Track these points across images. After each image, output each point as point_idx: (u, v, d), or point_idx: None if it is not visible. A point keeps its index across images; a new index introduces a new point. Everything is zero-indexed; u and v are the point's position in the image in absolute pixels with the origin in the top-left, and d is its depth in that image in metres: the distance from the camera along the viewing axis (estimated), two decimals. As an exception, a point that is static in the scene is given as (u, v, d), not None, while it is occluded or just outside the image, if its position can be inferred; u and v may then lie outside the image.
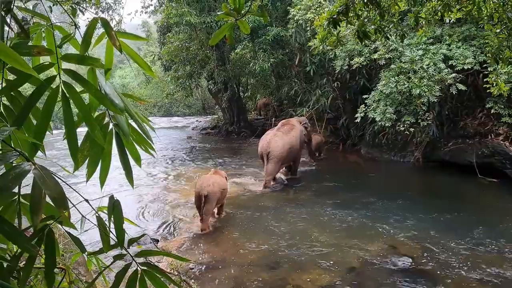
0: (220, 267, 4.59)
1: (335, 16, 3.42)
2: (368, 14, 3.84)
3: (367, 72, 10.26)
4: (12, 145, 1.09)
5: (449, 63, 8.17)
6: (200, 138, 16.27)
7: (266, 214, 6.40)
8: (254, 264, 4.62)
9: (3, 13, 1.08)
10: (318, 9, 9.38)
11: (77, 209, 1.21)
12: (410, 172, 9.53)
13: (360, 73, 10.15)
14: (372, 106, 8.88)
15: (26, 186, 0.99)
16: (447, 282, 4.16)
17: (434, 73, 8.08)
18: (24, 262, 1.12)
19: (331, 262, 4.61)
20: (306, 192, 7.75)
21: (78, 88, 1.14)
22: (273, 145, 7.90)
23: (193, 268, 4.51)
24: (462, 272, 4.36)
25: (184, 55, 13.95)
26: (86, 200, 1.22)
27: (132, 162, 1.25)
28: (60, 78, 1.08)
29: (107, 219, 1.18)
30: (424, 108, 8.33)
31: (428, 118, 8.49)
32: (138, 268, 1.14)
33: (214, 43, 1.84)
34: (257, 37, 12.33)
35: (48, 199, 0.96)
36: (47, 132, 1.11)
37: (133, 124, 1.22)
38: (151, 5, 15.61)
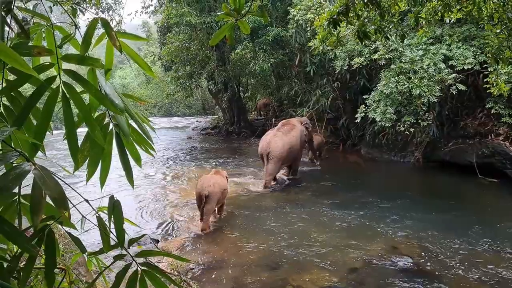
0: (220, 267, 4.58)
1: (335, 16, 3.42)
2: (368, 14, 3.84)
3: (367, 72, 10.26)
4: (12, 145, 1.09)
5: (449, 63, 8.17)
6: (200, 138, 16.27)
7: (266, 214, 6.40)
8: (254, 264, 4.62)
9: (3, 13, 1.08)
10: (318, 9, 9.38)
11: (77, 209, 1.21)
12: (410, 172, 9.53)
13: (360, 73, 10.16)
14: (372, 106, 8.88)
15: (26, 186, 0.99)
16: (447, 282, 4.16)
17: (434, 73, 8.09)
18: (24, 262, 1.12)
19: (331, 262, 4.61)
20: (306, 192, 7.75)
21: (78, 88, 1.14)
22: (273, 145, 7.90)
23: (193, 268, 4.51)
24: (462, 272, 4.36)
25: (184, 56, 13.95)
26: (86, 200, 1.22)
27: (132, 162, 1.25)
28: (60, 79, 1.08)
29: (107, 219, 1.18)
30: (424, 108, 8.33)
31: (428, 118, 8.50)
32: (138, 268, 1.14)
33: (214, 43, 1.84)
34: (257, 38, 12.33)
35: (48, 199, 0.96)
36: (47, 132, 1.11)
37: (133, 124, 1.22)
38: (151, 5, 15.62)
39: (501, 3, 3.97)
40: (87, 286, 1.56)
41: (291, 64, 13.09)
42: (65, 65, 1.14)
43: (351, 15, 3.49)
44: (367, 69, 10.06)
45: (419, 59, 8.36)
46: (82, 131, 1.15)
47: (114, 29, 1.16)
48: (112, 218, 1.17)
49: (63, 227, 1.30)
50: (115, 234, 1.17)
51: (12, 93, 1.19)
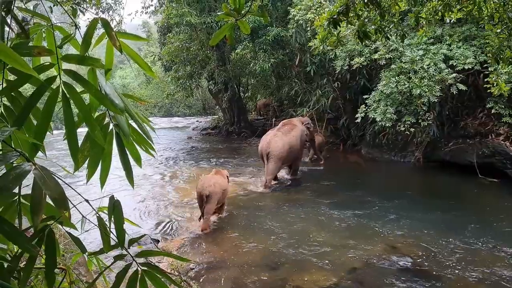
0: (220, 267, 4.58)
1: (335, 16, 3.42)
2: (369, 14, 3.84)
3: (367, 72, 10.26)
4: (13, 146, 1.09)
5: (450, 63, 8.16)
6: (201, 138, 16.28)
7: (266, 214, 6.40)
8: (254, 264, 4.62)
9: (3, 13, 1.08)
10: (318, 9, 9.38)
11: (78, 210, 1.21)
12: (411, 172, 9.53)
13: (361, 73, 10.15)
14: (373, 106, 8.88)
15: (26, 186, 0.99)
16: (446, 282, 4.16)
17: (434, 73, 8.08)
18: (24, 263, 1.12)
19: (331, 262, 4.60)
20: (307, 192, 7.75)
21: (79, 88, 1.14)
22: (273, 145, 7.91)
23: (193, 268, 4.51)
24: (462, 271, 4.36)
25: (184, 56, 13.95)
26: (87, 201, 1.22)
27: (132, 162, 1.25)
28: (60, 79, 1.08)
29: (108, 219, 1.18)
30: (424, 108, 8.33)
31: (428, 118, 8.49)
32: (139, 269, 1.14)
33: (215, 43, 1.84)
34: (258, 38, 12.34)
35: (48, 199, 0.96)
36: (48, 133, 1.11)
37: (134, 124, 1.22)
38: (152, 5, 15.64)
39: (502, 3, 3.96)
40: (88, 286, 1.56)
41: (291, 64, 13.10)
42: (65, 65, 1.14)
43: (351, 15, 3.49)
44: (367, 69, 10.06)
45: (420, 59, 8.36)
46: (82, 131, 1.15)
47: (114, 29, 1.17)
48: (112, 218, 1.17)
49: (63, 227, 1.30)
50: (115, 234, 1.17)
51: (12, 93, 1.20)
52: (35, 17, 1.38)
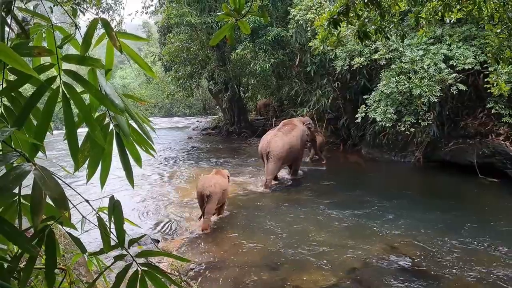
0: (220, 267, 4.59)
1: (335, 17, 3.42)
2: (369, 14, 3.84)
3: (367, 72, 10.26)
4: (13, 146, 1.09)
5: (450, 63, 8.17)
6: (201, 138, 16.28)
7: (266, 214, 6.40)
8: (254, 264, 4.62)
9: (3, 13, 1.08)
10: (318, 9, 9.38)
11: (78, 210, 1.21)
12: (411, 172, 9.53)
13: (361, 73, 10.15)
14: (373, 106, 8.88)
15: (26, 186, 0.99)
16: (446, 282, 4.16)
17: (434, 73, 8.08)
18: (24, 263, 1.12)
19: (331, 262, 4.60)
20: (307, 192, 7.75)
21: (79, 88, 1.14)
22: (273, 145, 7.91)
23: (193, 268, 4.51)
24: (461, 271, 4.36)
25: (184, 56, 13.96)
26: (87, 201, 1.22)
27: (132, 162, 1.25)
28: (60, 79, 1.08)
29: (108, 220, 1.18)
30: (424, 108, 8.33)
31: (428, 118, 8.49)
32: (139, 269, 1.14)
33: (215, 43, 1.84)
34: (258, 38, 12.34)
35: (48, 199, 0.96)
36: (48, 133, 1.11)
37: (134, 124, 1.22)
38: (152, 5, 15.64)
39: (502, 3, 3.96)
40: (88, 287, 1.56)
41: (292, 64, 13.10)
42: (66, 66, 1.14)
43: (352, 15, 3.49)
44: (367, 69, 10.06)
45: (420, 59, 8.36)
46: (82, 131, 1.15)
47: (115, 29, 1.17)
48: (112, 218, 1.17)
49: (64, 227, 1.30)
50: (115, 235, 1.17)
51: (12, 94, 1.20)
52: (35, 17, 1.38)
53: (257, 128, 15.03)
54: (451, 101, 9.11)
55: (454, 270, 4.39)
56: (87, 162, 1.20)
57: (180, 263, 4.27)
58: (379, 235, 5.42)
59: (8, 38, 1.19)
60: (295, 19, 10.46)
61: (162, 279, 1.16)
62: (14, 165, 0.94)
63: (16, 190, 1.00)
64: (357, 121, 9.59)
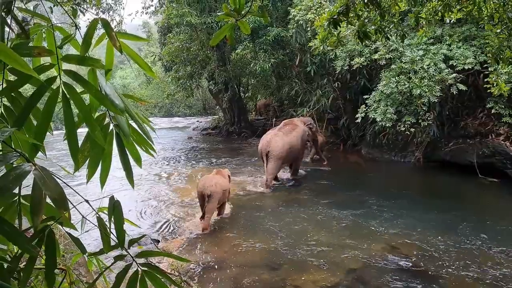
0: (220, 267, 4.59)
1: (335, 17, 3.42)
2: (369, 15, 3.84)
3: (367, 72, 10.26)
4: (13, 146, 1.09)
5: (450, 63, 8.17)
6: (201, 138, 16.28)
7: (266, 214, 6.40)
8: (254, 264, 4.62)
9: (3, 13, 1.08)
10: (318, 9, 9.38)
11: (78, 210, 1.21)
12: (411, 172, 9.53)
13: (361, 73, 10.15)
14: (373, 106, 8.88)
15: (26, 187, 0.99)
16: (445, 282, 4.16)
17: (434, 73, 8.08)
18: (24, 263, 1.12)
19: (331, 262, 4.61)
20: (307, 192, 7.75)
21: (79, 88, 1.14)
22: (273, 145, 7.91)
23: (193, 269, 4.51)
24: (461, 271, 4.36)
25: (184, 56, 13.96)
26: (87, 201, 1.22)
27: (132, 162, 1.25)
28: (60, 79, 1.08)
29: (108, 220, 1.18)
30: (424, 108, 8.33)
31: (428, 118, 8.49)
32: (139, 269, 1.14)
33: (215, 43, 1.84)
34: (258, 38, 12.34)
35: (48, 199, 0.96)
36: (48, 133, 1.11)
37: (134, 124, 1.22)
38: (152, 5, 15.65)
39: (502, 3, 3.96)
40: (88, 287, 1.56)
41: (292, 64, 13.10)
42: (66, 66, 1.14)
43: (351, 15, 3.49)
44: (367, 69, 10.06)
45: (420, 59, 8.36)
46: (82, 132, 1.15)
47: (115, 30, 1.17)
48: (112, 219, 1.17)
49: (63, 227, 1.30)
50: (115, 235, 1.17)
51: (12, 94, 1.20)
52: (35, 17, 1.38)
53: (257, 128, 15.03)
54: (451, 101, 9.11)
55: (453, 270, 4.39)
56: (87, 162, 1.20)
57: (180, 263, 4.27)
58: (379, 235, 5.42)
59: (8, 38, 1.19)
60: (295, 19, 10.47)
61: (162, 279, 1.16)
62: (14, 165, 0.94)
63: (16, 190, 1.00)
64: (357, 121, 9.59)
